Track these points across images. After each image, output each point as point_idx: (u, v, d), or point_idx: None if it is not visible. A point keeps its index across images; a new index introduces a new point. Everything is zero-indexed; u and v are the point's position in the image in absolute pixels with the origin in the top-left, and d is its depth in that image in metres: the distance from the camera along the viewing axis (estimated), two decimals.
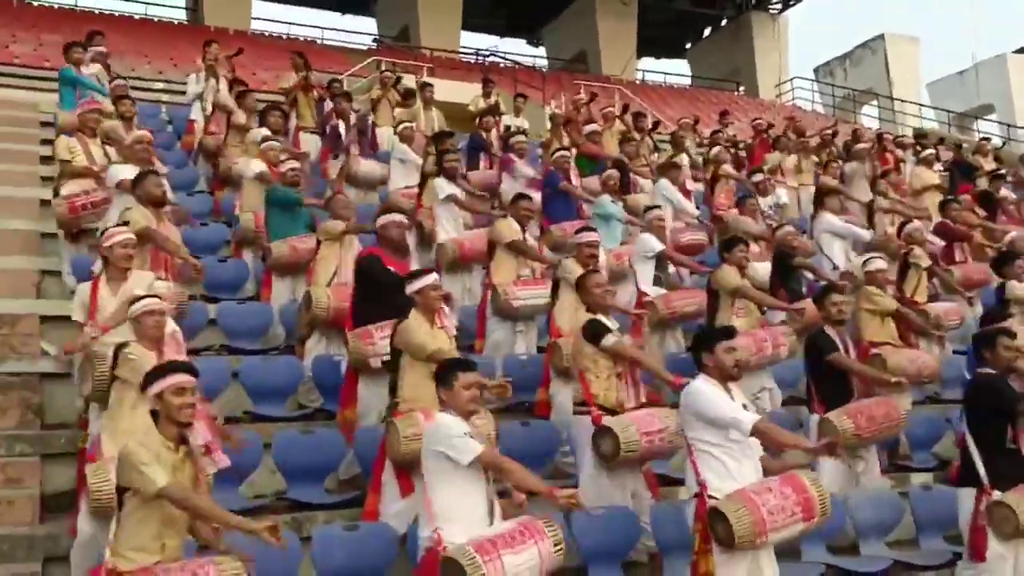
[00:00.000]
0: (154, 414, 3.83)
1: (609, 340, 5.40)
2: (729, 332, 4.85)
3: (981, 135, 18.87)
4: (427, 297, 5.26)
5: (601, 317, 5.58)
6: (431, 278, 5.35)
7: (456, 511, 4.04)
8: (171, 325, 5.20)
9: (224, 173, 9.62)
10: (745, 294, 7.11)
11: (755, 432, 4.47)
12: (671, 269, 8.35)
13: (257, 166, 8.30)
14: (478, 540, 3.89)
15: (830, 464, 5.74)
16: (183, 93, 12.70)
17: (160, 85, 15.23)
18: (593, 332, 5.46)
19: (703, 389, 4.61)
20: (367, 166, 10.20)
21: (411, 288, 5.31)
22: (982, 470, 5.16)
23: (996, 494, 5.09)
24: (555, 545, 4.03)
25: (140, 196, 6.41)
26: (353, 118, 10.47)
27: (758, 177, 10.40)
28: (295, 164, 7.91)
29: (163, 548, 3.67)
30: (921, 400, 7.79)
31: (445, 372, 4.30)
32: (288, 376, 6.50)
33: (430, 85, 13.04)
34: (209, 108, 10.84)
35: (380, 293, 5.93)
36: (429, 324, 5.24)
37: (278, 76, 13.04)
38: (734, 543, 4.33)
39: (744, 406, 4.66)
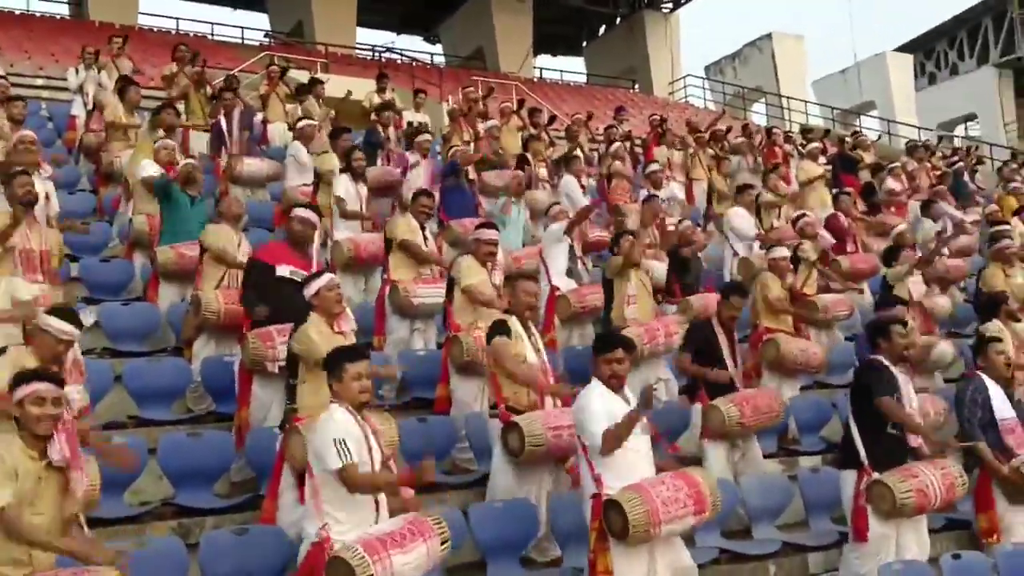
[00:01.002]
0: (18, 421, 3.66)
1: (494, 341, 5.39)
2: (612, 344, 4.83)
3: (862, 130, 19.60)
4: (323, 299, 5.12)
5: (510, 319, 5.53)
6: (325, 279, 5.20)
7: (343, 508, 3.98)
8: (75, 353, 4.93)
9: (107, 169, 9.24)
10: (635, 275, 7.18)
11: (605, 444, 4.50)
12: (579, 266, 8.39)
13: (149, 168, 7.95)
14: (367, 539, 3.84)
15: (713, 455, 5.84)
16: (65, 89, 12.23)
17: (40, 81, 14.61)
18: (491, 331, 5.47)
19: (587, 401, 4.65)
20: (252, 165, 9.87)
21: (308, 292, 5.18)
22: (863, 452, 5.33)
23: (875, 475, 5.26)
24: (442, 543, 4.02)
25: (8, 196, 6.09)
26: (237, 115, 10.17)
27: (653, 167, 10.54)
28: (189, 161, 7.58)
29: (31, 559, 3.52)
30: (809, 385, 8.03)
31: (333, 363, 4.21)
32: (175, 379, 6.29)
33: (321, 81, 12.81)
34: (91, 103, 10.41)
35: (270, 294, 5.78)
36: (328, 327, 5.10)
37: (163, 79, 12.59)
38: (628, 533, 4.37)
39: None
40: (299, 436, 4.73)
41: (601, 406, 4.59)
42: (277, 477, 4.93)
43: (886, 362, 5.50)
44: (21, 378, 3.68)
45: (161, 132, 8.54)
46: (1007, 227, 9.55)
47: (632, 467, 4.57)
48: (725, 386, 6.15)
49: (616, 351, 4.74)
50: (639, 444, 4.66)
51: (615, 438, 4.49)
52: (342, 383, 4.15)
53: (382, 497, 4.10)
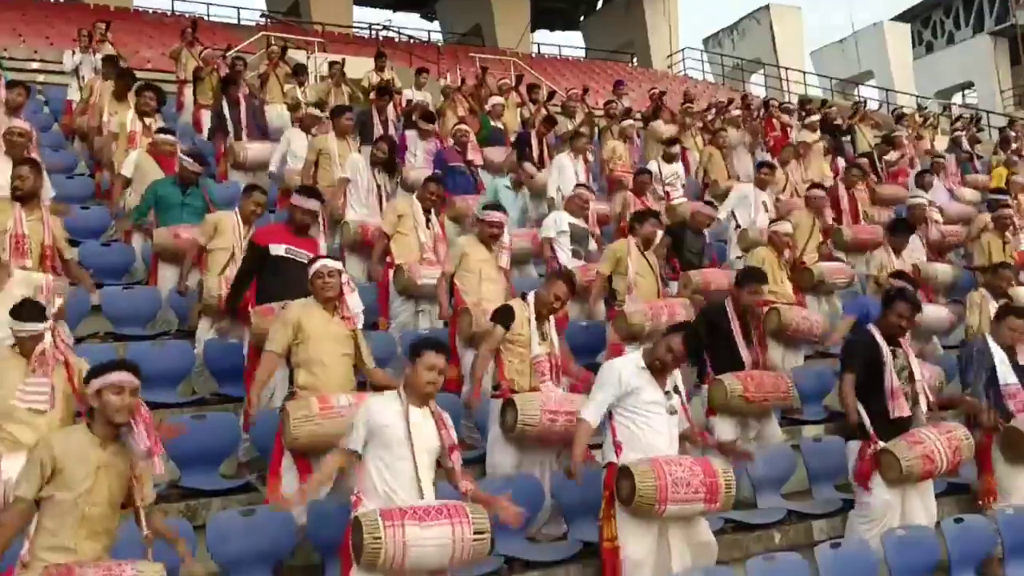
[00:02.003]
0: (91, 412, 3.70)
1: (492, 329, 5.47)
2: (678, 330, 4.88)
3: (860, 100, 19.56)
4: (315, 286, 5.12)
5: (521, 307, 5.55)
6: (316, 266, 5.18)
7: (379, 484, 4.04)
8: (64, 333, 4.89)
9: (97, 156, 9.20)
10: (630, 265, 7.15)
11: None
12: (591, 247, 8.36)
13: (131, 163, 7.87)
14: (389, 508, 3.90)
15: (724, 431, 5.88)
16: (60, 73, 12.21)
17: (35, 65, 14.53)
18: (496, 314, 5.54)
19: (611, 369, 4.77)
20: (255, 149, 9.80)
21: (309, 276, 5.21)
22: (867, 421, 5.35)
23: (881, 444, 5.30)
24: (476, 532, 3.95)
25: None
26: (242, 100, 10.11)
27: (664, 139, 10.51)
28: (193, 165, 7.40)
29: (77, 549, 3.56)
30: (811, 355, 8.04)
31: (414, 349, 4.27)
32: (179, 362, 6.29)
33: (340, 63, 12.73)
34: (86, 90, 10.37)
35: (281, 271, 5.78)
36: (327, 312, 5.10)
37: (162, 55, 12.61)
38: (633, 501, 4.40)
39: (673, 391, 4.79)
40: (288, 416, 4.77)
41: (614, 374, 4.73)
42: (277, 459, 4.94)
43: (874, 331, 5.49)
44: (99, 368, 3.71)
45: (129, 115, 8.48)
46: (1005, 196, 9.54)
47: (652, 446, 4.64)
48: (736, 368, 6.10)
49: (677, 338, 4.77)
50: (662, 425, 4.70)
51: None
52: (414, 369, 4.19)
53: (426, 480, 4.10)
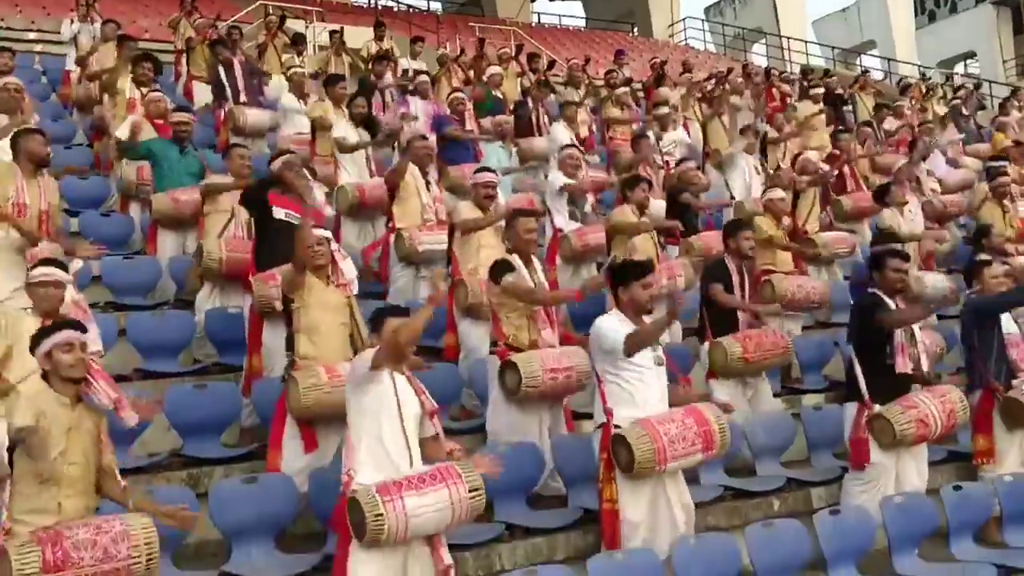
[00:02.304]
0: (46, 375, 3.73)
1: (507, 279, 5.41)
2: (645, 268, 4.91)
3: (866, 70, 19.42)
4: (305, 256, 5.06)
5: (512, 257, 5.55)
6: (315, 236, 5.15)
7: (369, 454, 3.99)
8: (72, 292, 4.94)
9: (98, 124, 9.16)
10: (641, 230, 7.16)
11: (627, 341, 4.58)
12: (587, 208, 8.36)
13: (126, 128, 7.81)
14: (383, 482, 3.87)
15: (723, 391, 5.88)
16: (57, 43, 12.13)
17: (33, 35, 14.42)
18: (496, 271, 5.48)
19: (605, 324, 4.72)
20: (254, 115, 9.83)
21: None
22: (863, 386, 5.38)
23: (876, 407, 5.33)
24: (472, 491, 3.96)
25: (22, 152, 6.01)
26: (239, 67, 10.07)
27: (662, 110, 10.46)
28: (182, 117, 7.47)
29: (60, 509, 3.56)
30: (811, 324, 8.05)
31: (377, 319, 4.23)
32: (179, 331, 6.31)
33: (339, 32, 12.66)
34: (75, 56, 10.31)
35: (281, 235, 5.70)
36: (321, 281, 5.10)
37: (160, 25, 12.52)
38: (633, 469, 4.43)
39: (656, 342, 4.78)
40: (296, 384, 4.76)
41: (621, 325, 4.67)
42: (279, 428, 4.95)
43: (880, 294, 5.51)
44: (44, 332, 3.75)
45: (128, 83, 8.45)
46: (1004, 163, 9.50)
47: (645, 401, 4.65)
48: (732, 326, 6.13)
49: (650, 276, 4.81)
50: (652, 378, 4.71)
51: (639, 342, 4.58)
52: (378, 335, 4.17)
53: (415, 447, 4.07)
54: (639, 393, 4.65)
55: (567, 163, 8.08)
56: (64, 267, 4.74)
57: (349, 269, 5.37)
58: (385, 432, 4.01)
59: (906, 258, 5.75)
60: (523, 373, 5.15)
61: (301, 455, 4.86)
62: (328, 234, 5.25)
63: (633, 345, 4.58)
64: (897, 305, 5.51)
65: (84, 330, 3.82)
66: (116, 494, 3.82)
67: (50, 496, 3.56)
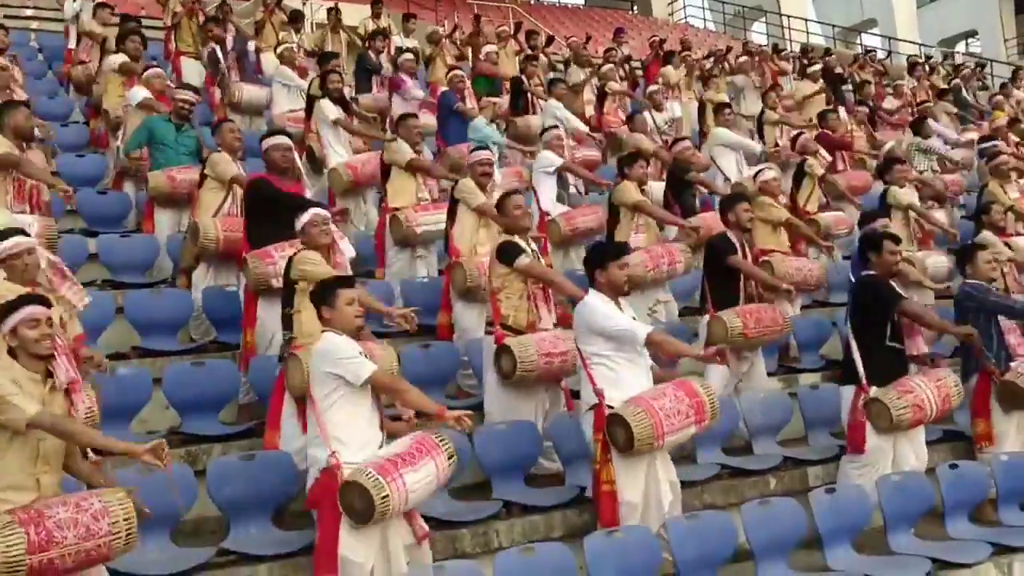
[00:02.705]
0: (12, 352, 3.63)
1: (523, 261, 5.39)
2: (621, 249, 4.94)
3: (865, 49, 19.37)
4: (309, 235, 5.11)
5: (517, 239, 5.54)
6: (309, 214, 5.15)
7: (350, 433, 4.01)
8: (46, 255, 4.89)
9: (97, 101, 9.12)
10: (644, 209, 7.19)
11: (650, 341, 4.61)
12: (571, 190, 8.36)
13: (140, 93, 7.87)
14: (378, 461, 3.88)
15: (716, 368, 5.87)
16: (56, 20, 12.04)
17: (29, 12, 14.32)
18: (506, 253, 5.44)
19: (595, 304, 4.73)
20: (250, 92, 9.81)
21: (297, 226, 5.16)
22: (861, 368, 5.39)
23: (873, 390, 5.34)
24: (449, 458, 4.07)
25: (7, 127, 6.01)
26: (230, 41, 10.01)
27: (653, 88, 10.43)
28: (187, 96, 7.41)
29: (38, 484, 3.53)
30: (808, 304, 8.05)
31: (326, 291, 4.23)
32: (177, 309, 6.30)
33: (336, 9, 12.58)
34: (76, 35, 10.26)
35: (275, 213, 5.70)
36: (322, 259, 5.09)
37: (157, 2, 12.42)
38: (633, 446, 4.44)
39: (632, 319, 4.79)
40: (298, 363, 4.73)
41: (610, 310, 4.70)
42: (277, 407, 4.95)
43: (877, 277, 5.50)
44: (9, 307, 3.65)
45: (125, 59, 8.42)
46: (995, 143, 9.50)
47: (632, 381, 4.67)
48: (734, 301, 6.12)
49: (625, 257, 4.83)
50: (638, 359, 4.73)
51: (658, 347, 4.69)
52: (335, 309, 4.17)
53: (383, 419, 4.13)
54: (627, 373, 4.67)
55: (552, 144, 8.08)
56: (24, 232, 4.58)
57: (348, 248, 5.36)
58: (362, 409, 4.05)
59: (899, 241, 5.77)
60: (518, 358, 5.15)
61: (300, 434, 4.84)
62: (324, 213, 5.23)
63: (652, 347, 4.68)
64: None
65: (49, 305, 3.73)
66: (83, 471, 3.77)
67: (28, 473, 3.52)
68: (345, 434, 4.00)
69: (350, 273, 5.28)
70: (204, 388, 5.43)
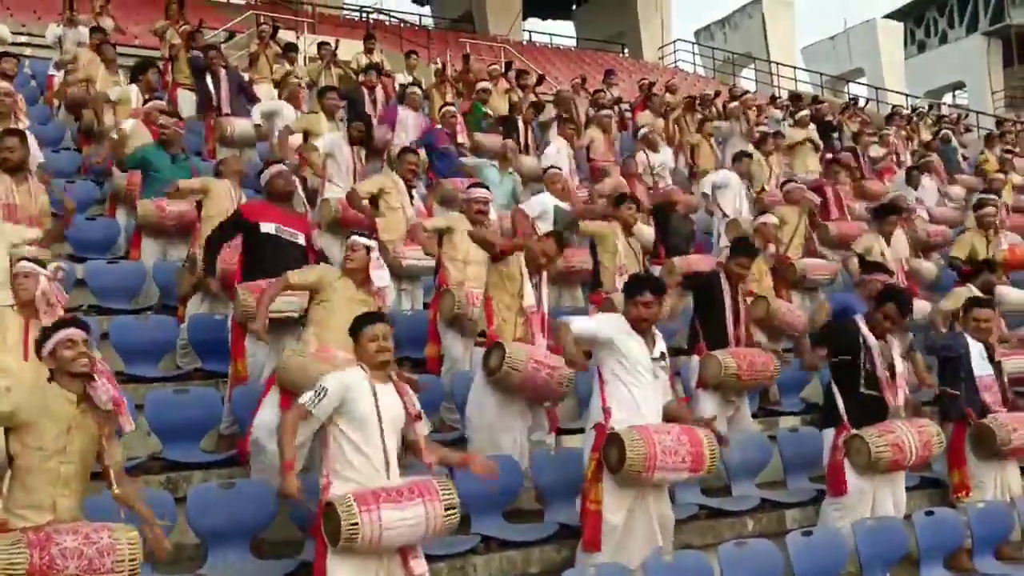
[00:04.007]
0: (52, 375, 3.77)
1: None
2: (641, 285, 4.91)
3: (850, 97, 19.65)
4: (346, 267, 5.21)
5: (512, 260, 5.59)
6: (351, 241, 5.25)
7: (348, 463, 4.02)
8: (43, 284, 4.94)
9: (87, 127, 9.18)
10: (586, 231, 7.28)
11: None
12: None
13: (132, 123, 7.94)
14: (361, 491, 3.89)
15: (708, 406, 5.93)
16: (48, 47, 12.14)
17: (23, 39, 14.41)
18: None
19: (600, 314, 4.88)
20: (241, 125, 9.84)
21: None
22: (842, 409, 5.44)
23: (853, 430, 5.38)
24: (447, 508, 4.01)
25: None
26: (224, 75, 10.10)
27: (646, 130, 10.58)
28: (164, 120, 7.53)
29: (55, 507, 3.59)
30: (789, 348, 8.11)
31: (354, 328, 4.30)
32: (161, 336, 6.31)
33: (328, 44, 12.73)
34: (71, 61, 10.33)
35: (258, 248, 5.77)
36: (354, 289, 5.14)
37: (155, 34, 12.55)
38: (623, 468, 4.48)
39: (662, 354, 4.86)
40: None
41: (610, 322, 4.81)
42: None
43: (859, 322, 5.57)
44: (48, 331, 3.80)
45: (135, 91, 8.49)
46: (992, 196, 9.64)
47: (640, 408, 4.70)
48: (723, 343, 6.18)
49: (644, 293, 4.82)
50: (649, 389, 4.77)
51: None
52: (360, 344, 4.24)
53: (393, 458, 4.09)
54: (637, 398, 4.70)
55: (550, 183, 8.13)
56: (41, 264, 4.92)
57: (381, 278, 5.40)
58: (364, 441, 4.04)
59: (906, 312, 5.69)
60: (507, 353, 5.17)
61: (278, 414, 4.80)
62: (368, 242, 5.28)
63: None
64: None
65: (87, 329, 3.86)
66: (131, 495, 3.86)
67: (45, 494, 3.59)
68: (342, 465, 4.01)
69: (388, 302, 5.39)
70: (186, 415, 5.43)
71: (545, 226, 7.91)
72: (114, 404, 3.76)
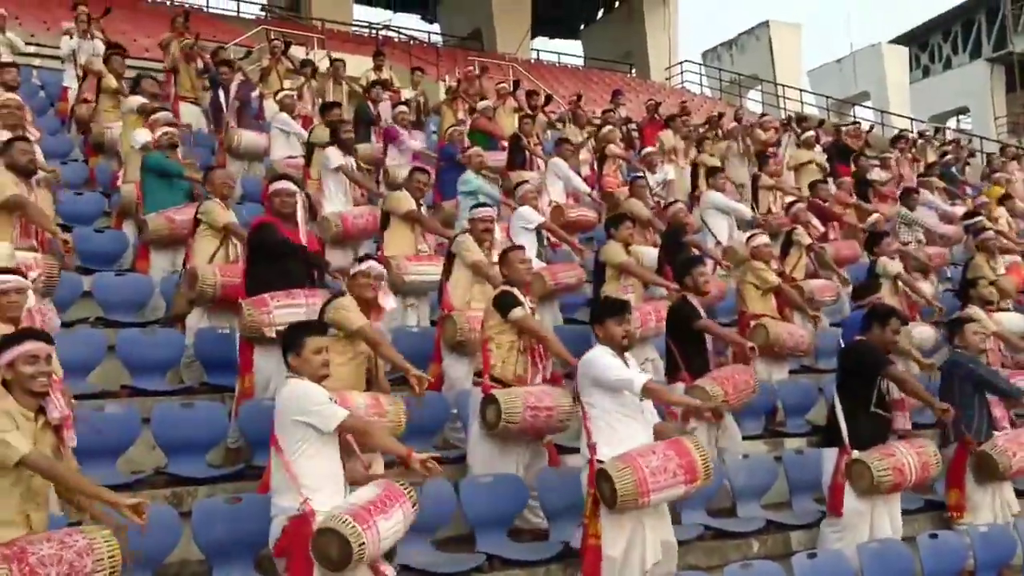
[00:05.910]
0: (7, 384, 3.60)
1: (517, 313, 5.42)
2: (619, 307, 4.98)
3: (858, 120, 19.69)
4: (355, 285, 5.26)
5: (515, 291, 5.59)
6: (363, 266, 5.31)
7: (319, 480, 4.01)
8: (32, 300, 4.92)
9: (96, 139, 9.22)
10: (629, 269, 7.27)
11: (645, 391, 4.65)
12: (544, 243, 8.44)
13: (143, 136, 7.96)
14: (353, 508, 3.90)
15: (698, 430, 5.91)
16: (57, 58, 12.20)
17: (32, 49, 14.49)
18: (503, 303, 5.48)
19: (596, 356, 4.80)
20: (249, 138, 9.91)
21: (352, 270, 5.33)
22: (845, 431, 5.45)
23: (855, 453, 5.40)
24: (413, 505, 4.12)
25: (7, 164, 6.10)
26: (234, 88, 10.17)
27: (648, 150, 10.63)
28: (167, 128, 7.56)
29: (28, 521, 3.52)
30: (796, 369, 8.12)
31: (292, 337, 4.25)
32: (168, 349, 6.31)
33: (341, 60, 12.79)
34: (82, 73, 10.40)
35: (275, 261, 5.77)
36: (364, 312, 5.17)
37: (159, 46, 12.64)
38: (617, 502, 4.46)
39: (647, 360, 4.86)
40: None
41: (611, 362, 4.74)
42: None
43: (873, 344, 5.59)
44: (10, 340, 3.63)
45: (144, 100, 8.55)
46: (979, 218, 9.70)
47: (628, 438, 4.68)
48: (703, 365, 6.18)
49: (627, 313, 4.90)
50: (638, 414, 4.77)
51: (654, 396, 4.74)
52: (300, 357, 4.18)
53: (345, 469, 4.16)
54: (624, 428, 4.69)
55: (528, 197, 8.19)
56: (13, 271, 4.72)
57: (389, 303, 5.41)
58: (331, 456, 4.09)
59: (906, 321, 5.87)
60: (503, 408, 5.17)
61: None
62: (381, 269, 5.38)
63: (648, 395, 4.72)
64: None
65: (51, 341, 3.71)
66: (83, 504, 3.74)
67: (17, 509, 3.49)
68: (315, 482, 4.00)
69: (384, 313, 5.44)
70: (192, 429, 5.43)
71: (530, 239, 7.97)
72: (63, 422, 3.68)
